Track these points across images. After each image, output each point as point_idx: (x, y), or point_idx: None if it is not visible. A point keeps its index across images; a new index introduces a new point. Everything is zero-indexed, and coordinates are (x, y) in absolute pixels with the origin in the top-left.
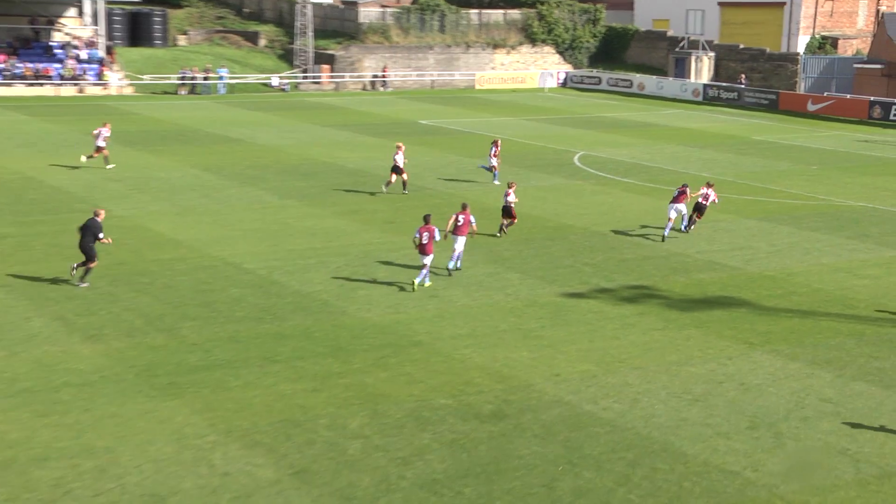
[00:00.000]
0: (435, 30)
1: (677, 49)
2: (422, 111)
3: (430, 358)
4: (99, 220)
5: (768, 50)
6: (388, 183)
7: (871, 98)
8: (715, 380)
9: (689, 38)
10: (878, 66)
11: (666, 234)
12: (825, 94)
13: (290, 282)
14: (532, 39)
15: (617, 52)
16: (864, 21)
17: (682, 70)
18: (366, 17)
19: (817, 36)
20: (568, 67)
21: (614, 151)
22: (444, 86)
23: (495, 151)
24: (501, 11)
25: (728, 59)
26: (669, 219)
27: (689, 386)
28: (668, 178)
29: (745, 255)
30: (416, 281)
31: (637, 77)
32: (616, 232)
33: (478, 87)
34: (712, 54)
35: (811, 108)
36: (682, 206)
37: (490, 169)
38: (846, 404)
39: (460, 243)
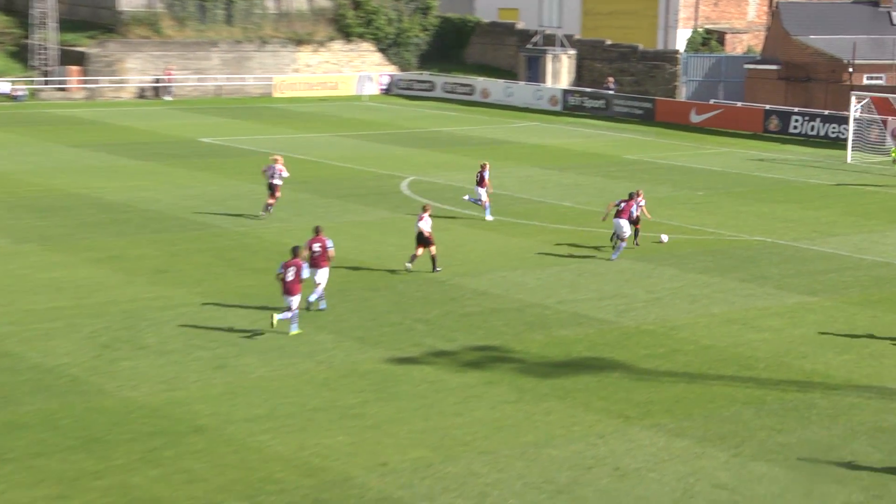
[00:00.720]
0: (220, 21)
1: (529, 46)
2: (203, 126)
3: (216, 448)
4: None
5: (641, 47)
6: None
7: (767, 106)
8: (583, 464)
9: (543, 32)
10: (774, 68)
11: (614, 257)
12: (711, 102)
13: (27, 353)
14: (346, 34)
15: (454, 49)
16: (755, 12)
17: (536, 72)
18: (128, 3)
19: (700, 30)
20: (393, 69)
21: (453, 176)
22: (233, 93)
23: (484, 178)
24: None
25: (593, 59)
26: (622, 238)
27: (550, 474)
28: (521, 209)
29: (617, 304)
30: (277, 317)
31: (480, 81)
32: (457, 277)
33: (276, 94)
34: (573, 52)
35: (695, 119)
36: (625, 222)
37: (478, 201)
38: (744, 491)
39: (322, 276)
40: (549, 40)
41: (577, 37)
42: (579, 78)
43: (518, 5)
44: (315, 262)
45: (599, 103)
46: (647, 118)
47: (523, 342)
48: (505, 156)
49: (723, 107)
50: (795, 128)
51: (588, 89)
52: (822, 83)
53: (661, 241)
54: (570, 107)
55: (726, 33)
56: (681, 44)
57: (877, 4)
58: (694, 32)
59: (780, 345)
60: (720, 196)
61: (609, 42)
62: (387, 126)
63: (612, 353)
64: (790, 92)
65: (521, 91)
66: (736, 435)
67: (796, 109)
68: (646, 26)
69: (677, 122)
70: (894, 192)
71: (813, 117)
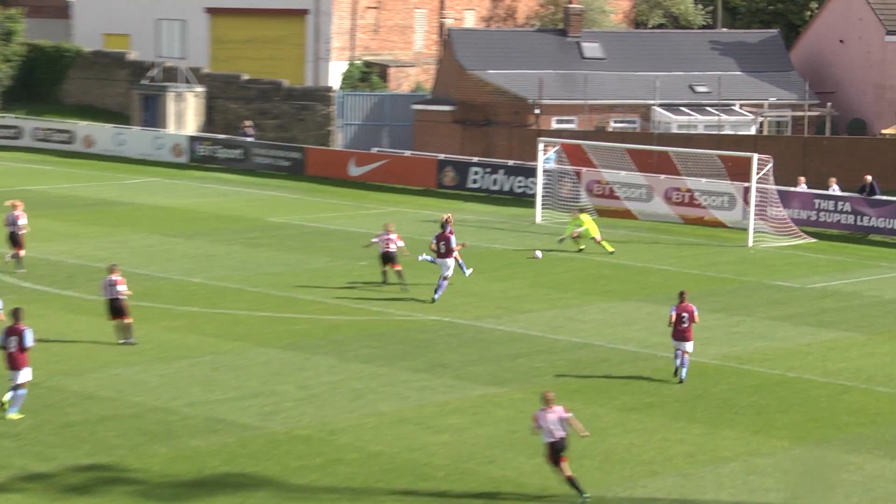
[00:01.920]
0: None
1: (145, 81)
2: None
3: None
4: None
5: (287, 83)
6: None
7: (441, 156)
8: None
9: (163, 64)
10: (448, 109)
11: (437, 297)
12: (374, 151)
13: None
14: None
15: (48, 86)
16: (423, 40)
17: (154, 115)
18: None
19: (358, 62)
20: None
21: (48, 248)
22: None
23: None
24: None
25: (227, 97)
26: (445, 277)
27: None
28: (140, 287)
29: (263, 404)
30: (6, 398)
31: (82, 126)
32: (56, 377)
33: None
34: (202, 89)
35: (354, 171)
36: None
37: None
38: None
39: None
40: (171, 75)
41: (206, 70)
42: (210, 122)
43: (129, 30)
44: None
45: (236, 153)
46: (296, 171)
47: (143, 457)
48: (117, 220)
49: (388, 157)
50: (475, 181)
51: (221, 136)
52: (504, 127)
53: (535, 258)
54: (198, 158)
55: (389, 67)
56: (335, 79)
57: (564, 34)
58: (351, 66)
59: (462, 448)
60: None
61: (246, 77)
62: None
63: (257, 467)
64: (468, 138)
65: (135, 138)
66: None
67: (475, 159)
68: (292, 58)
69: (333, 175)
70: (592, 258)
71: (495, 169)
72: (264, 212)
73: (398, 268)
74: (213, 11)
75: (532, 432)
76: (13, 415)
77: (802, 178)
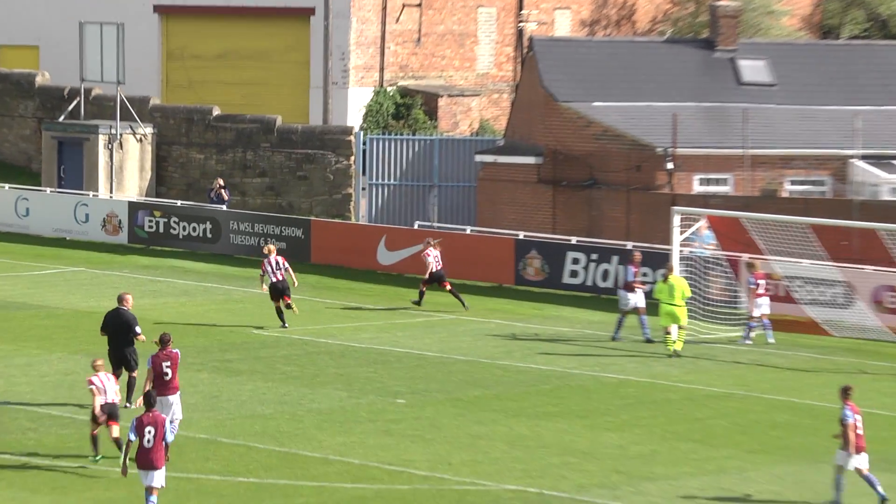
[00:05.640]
0: None
1: (63, 118)
2: None
3: None
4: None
5: (281, 121)
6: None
7: (521, 235)
8: None
9: (90, 92)
10: (531, 161)
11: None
12: (416, 227)
13: None
14: None
15: None
16: (491, 56)
17: (76, 169)
18: None
19: (391, 89)
20: None
21: None
22: None
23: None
24: None
25: (188, 143)
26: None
27: None
28: (55, 438)
29: None
30: None
31: None
32: None
33: None
34: (149, 131)
35: (385, 259)
36: None
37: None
38: None
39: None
40: (102, 108)
41: (157, 101)
42: (162, 181)
43: (38, 39)
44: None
45: (202, 229)
46: (296, 256)
47: None
48: (18, 334)
49: (438, 235)
50: (574, 274)
51: (180, 203)
52: (618, 190)
53: None
54: (144, 236)
55: (440, 96)
56: (355, 115)
57: (711, 46)
58: (380, 94)
59: None
60: None
61: (218, 112)
62: None
63: None
64: (563, 207)
65: (48, 206)
66: None
67: (574, 240)
68: (290, 82)
69: (352, 264)
70: (756, 394)
71: (605, 255)
72: (245, 319)
73: (447, 286)
74: (167, 11)
75: None
76: None
77: None
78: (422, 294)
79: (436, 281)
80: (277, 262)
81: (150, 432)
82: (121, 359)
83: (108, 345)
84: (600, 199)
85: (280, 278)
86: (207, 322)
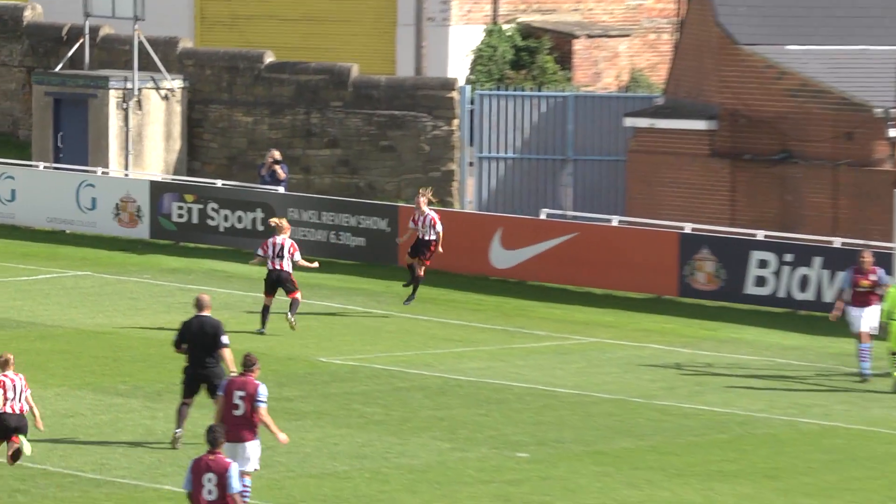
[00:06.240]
0: None
1: (60, 70)
2: None
3: None
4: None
5: (356, 71)
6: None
7: (688, 227)
8: None
9: (98, 32)
10: (701, 126)
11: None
12: (544, 216)
13: None
14: None
15: None
16: None
17: (79, 137)
18: None
19: (508, 28)
20: None
21: None
22: None
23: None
24: None
25: (230, 102)
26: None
27: None
28: None
29: None
30: None
31: None
32: None
33: None
34: (178, 85)
35: (501, 259)
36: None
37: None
38: None
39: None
40: (115, 53)
41: (188, 45)
42: (195, 152)
43: None
44: None
45: (250, 219)
46: (378, 255)
47: None
48: None
49: (574, 228)
50: (761, 281)
51: (220, 182)
52: (822, 167)
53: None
54: (171, 229)
55: (575, 37)
56: (459, 64)
57: None
58: (493, 34)
59: None
60: None
61: (271, 59)
62: None
63: None
64: (745, 188)
65: (41, 188)
66: None
67: (761, 235)
68: (368, 20)
69: (456, 267)
70: None
71: (804, 255)
72: (310, 342)
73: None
74: None
75: None
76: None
77: None
78: (416, 281)
79: (418, 253)
80: (282, 247)
81: (209, 481)
82: (202, 378)
83: (188, 362)
84: (797, 178)
85: (279, 267)
86: (258, 347)
